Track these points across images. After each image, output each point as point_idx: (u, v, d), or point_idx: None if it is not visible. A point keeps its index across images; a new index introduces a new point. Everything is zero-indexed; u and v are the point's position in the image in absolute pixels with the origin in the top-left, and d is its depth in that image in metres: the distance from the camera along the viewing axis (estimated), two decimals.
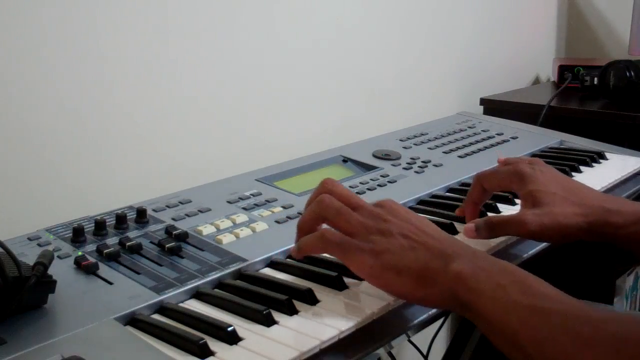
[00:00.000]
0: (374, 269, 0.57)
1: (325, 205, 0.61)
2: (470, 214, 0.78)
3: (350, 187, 0.89)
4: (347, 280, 0.63)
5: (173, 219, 0.77)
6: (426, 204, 0.87)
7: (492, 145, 1.14)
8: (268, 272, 0.68)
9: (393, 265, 0.57)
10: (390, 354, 1.13)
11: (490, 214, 0.81)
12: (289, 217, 0.79)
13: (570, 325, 0.49)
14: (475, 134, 1.20)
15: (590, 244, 0.73)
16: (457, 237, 0.75)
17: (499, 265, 0.56)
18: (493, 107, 1.50)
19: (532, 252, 0.74)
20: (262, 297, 0.60)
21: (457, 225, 0.77)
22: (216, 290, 0.63)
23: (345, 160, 1.02)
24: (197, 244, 0.71)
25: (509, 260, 0.72)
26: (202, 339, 0.52)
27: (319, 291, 0.61)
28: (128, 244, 0.69)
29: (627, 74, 1.39)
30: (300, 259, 0.64)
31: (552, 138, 1.20)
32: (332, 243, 0.60)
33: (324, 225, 0.63)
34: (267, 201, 0.83)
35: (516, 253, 0.74)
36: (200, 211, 0.79)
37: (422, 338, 1.09)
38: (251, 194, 0.85)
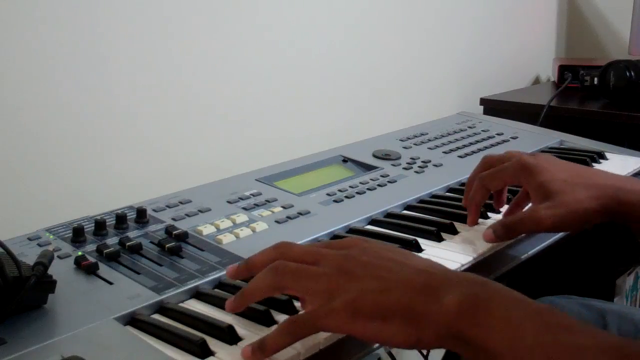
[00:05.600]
0: (355, 323, 0.49)
1: (281, 271, 0.52)
2: (474, 216, 0.76)
3: (350, 187, 0.89)
4: None
5: (173, 219, 0.77)
6: (426, 204, 0.87)
7: (492, 145, 1.14)
8: None
9: (373, 312, 0.48)
10: (390, 354, 1.13)
11: (492, 216, 0.81)
12: (289, 217, 0.79)
13: None
14: (475, 134, 1.20)
15: (590, 243, 0.73)
16: (459, 236, 0.75)
17: (502, 292, 0.48)
18: (493, 107, 1.50)
19: (531, 252, 0.74)
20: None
21: (457, 225, 0.77)
22: (216, 290, 0.63)
23: (345, 160, 1.02)
24: (197, 244, 0.71)
25: (510, 261, 0.72)
26: (202, 339, 0.52)
27: None
28: (128, 244, 0.69)
29: (627, 74, 1.39)
30: (237, 310, 0.56)
31: (552, 138, 1.20)
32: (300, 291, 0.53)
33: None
34: (267, 201, 0.83)
35: (515, 254, 0.74)
36: (200, 211, 0.79)
37: None
38: (251, 194, 0.85)
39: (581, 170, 0.74)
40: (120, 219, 0.74)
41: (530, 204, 0.75)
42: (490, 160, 0.78)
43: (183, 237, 0.72)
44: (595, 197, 0.69)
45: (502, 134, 1.21)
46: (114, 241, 0.71)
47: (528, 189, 0.74)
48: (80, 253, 0.67)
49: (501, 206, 0.80)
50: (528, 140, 1.18)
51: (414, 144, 1.11)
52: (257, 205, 0.82)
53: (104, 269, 0.65)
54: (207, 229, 0.74)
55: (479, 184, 0.76)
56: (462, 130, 1.22)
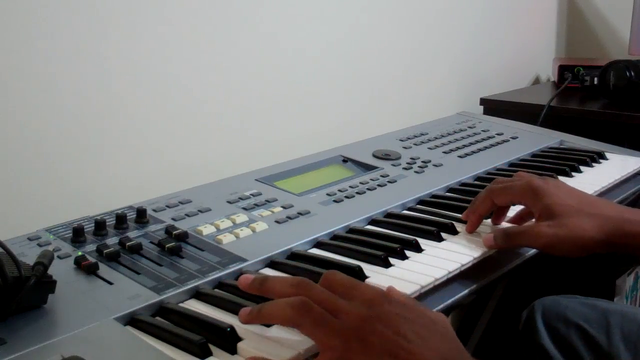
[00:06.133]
0: None
1: (304, 312, 0.51)
2: (474, 225, 0.77)
3: (350, 187, 0.89)
4: None
5: (173, 219, 0.77)
6: (426, 204, 0.87)
7: (492, 145, 1.14)
8: (268, 272, 0.68)
9: None
10: None
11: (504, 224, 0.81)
12: (289, 217, 0.78)
13: None
14: (475, 134, 1.20)
15: None
16: (459, 236, 0.75)
17: None
18: (493, 107, 1.50)
19: (532, 251, 0.74)
20: (262, 298, 0.59)
21: (457, 225, 0.77)
22: (216, 290, 0.63)
23: (345, 160, 1.02)
24: (197, 244, 0.71)
25: (511, 260, 0.72)
26: (202, 339, 0.52)
27: None
28: (128, 244, 0.69)
29: (627, 74, 1.39)
30: (248, 322, 0.55)
31: (552, 138, 1.20)
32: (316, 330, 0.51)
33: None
34: (267, 201, 0.83)
35: (518, 252, 0.74)
36: (200, 211, 0.79)
37: None
38: (251, 194, 0.85)
39: (588, 199, 0.75)
40: (120, 219, 0.74)
41: (533, 220, 0.75)
42: (499, 180, 0.79)
43: (183, 237, 0.71)
44: (599, 227, 0.69)
45: (502, 134, 1.21)
46: (114, 241, 0.70)
47: (533, 211, 0.74)
48: (80, 253, 0.67)
49: (500, 223, 0.80)
50: (528, 140, 1.18)
51: (414, 144, 1.11)
52: (257, 205, 0.82)
53: (104, 269, 0.65)
54: (207, 229, 0.74)
55: (486, 195, 0.77)
56: (462, 130, 1.22)
